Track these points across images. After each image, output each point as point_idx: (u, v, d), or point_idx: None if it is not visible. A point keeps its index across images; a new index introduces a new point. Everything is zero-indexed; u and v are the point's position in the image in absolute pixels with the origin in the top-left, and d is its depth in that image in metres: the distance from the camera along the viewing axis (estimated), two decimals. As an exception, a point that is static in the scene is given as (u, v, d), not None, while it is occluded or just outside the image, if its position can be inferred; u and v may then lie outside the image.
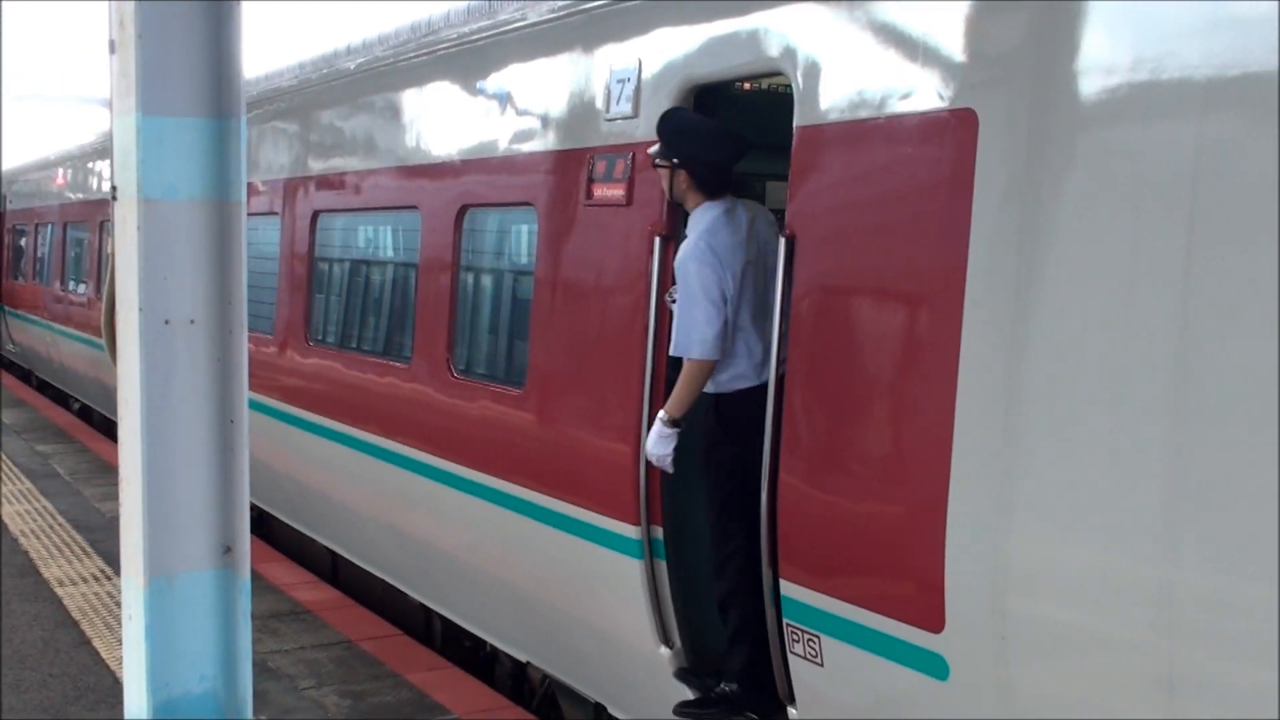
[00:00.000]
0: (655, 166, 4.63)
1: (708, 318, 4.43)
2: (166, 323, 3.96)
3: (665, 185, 4.66)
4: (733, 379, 4.54)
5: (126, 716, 4.14)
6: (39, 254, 17.08)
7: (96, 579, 7.33)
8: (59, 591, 7.04)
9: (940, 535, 3.58)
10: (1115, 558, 3.19)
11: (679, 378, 4.53)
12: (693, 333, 4.44)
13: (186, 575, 4.06)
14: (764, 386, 4.37)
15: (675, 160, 4.56)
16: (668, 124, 4.59)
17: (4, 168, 23.28)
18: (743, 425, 4.47)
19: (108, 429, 14.02)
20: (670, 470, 4.60)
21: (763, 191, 5.26)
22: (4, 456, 11.31)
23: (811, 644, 4.12)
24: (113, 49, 4.04)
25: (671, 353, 4.56)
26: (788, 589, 4.17)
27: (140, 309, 3.91)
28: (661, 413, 4.55)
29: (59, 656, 5.99)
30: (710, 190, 4.60)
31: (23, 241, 18.43)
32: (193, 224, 3.99)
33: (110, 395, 13.41)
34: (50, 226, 16.45)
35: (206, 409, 4.06)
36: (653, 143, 4.76)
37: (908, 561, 3.74)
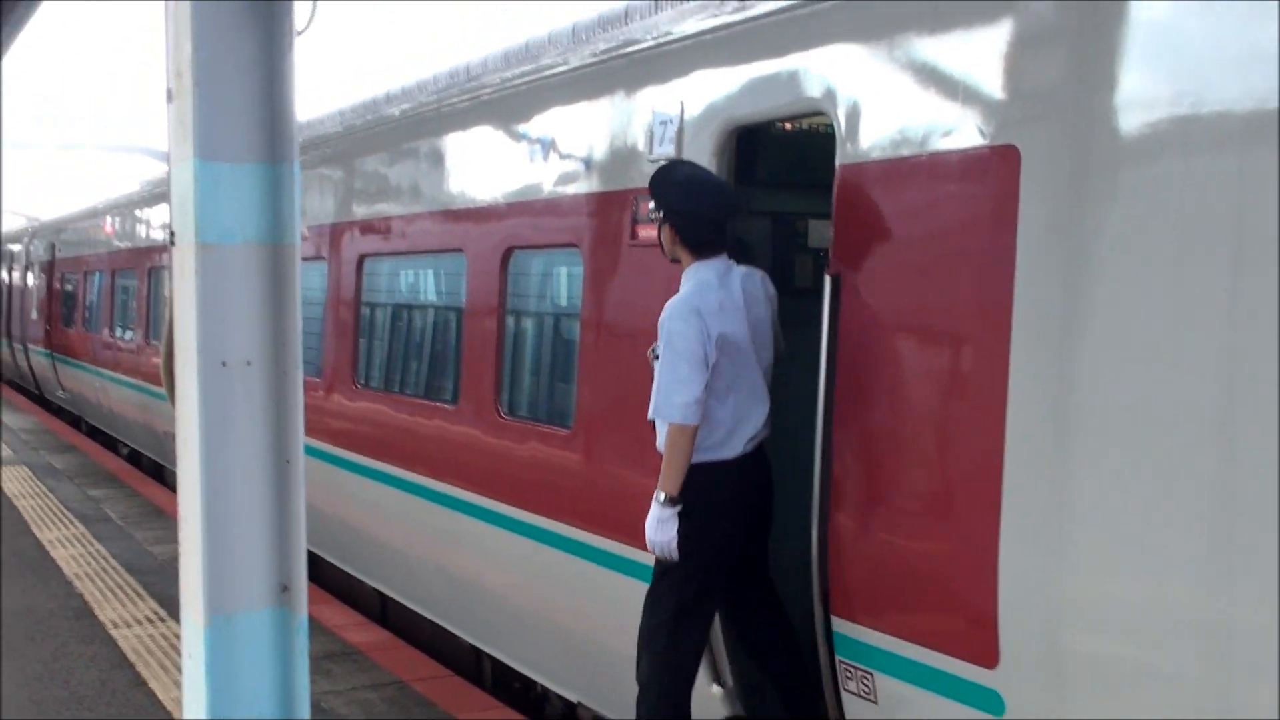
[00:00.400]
0: (650, 219, 4.60)
1: (689, 380, 4.28)
2: (224, 364, 4.07)
3: (657, 238, 4.61)
4: (697, 450, 4.34)
5: (187, 756, 4.22)
6: (88, 301, 17.34)
7: (151, 621, 7.41)
8: (114, 633, 7.12)
9: (992, 571, 3.59)
10: (1169, 591, 3.19)
11: (665, 450, 4.37)
12: (674, 395, 4.30)
13: (245, 614, 4.14)
14: (731, 463, 4.35)
15: (659, 211, 4.50)
16: (658, 174, 4.53)
17: (52, 217, 23.69)
18: (705, 507, 4.34)
19: (157, 473, 14.18)
20: (674, 557, 4.35)
21: (805, 231, 5.30)
22: (57, 501, 11.45)
23: (865, 681, 4.13)
24: (170, 98, 4.16)
25: (649, 415, 4.44)
26: (839, 626, 4.18)
27: (199, 351, 4.02)
28: (657, 492, 4.33)
29: (115, 697, 6.06)
30: (697, 248, 4.45)
31: (71, 289, 18.71)
32: (248, 267, 4.10)
33: (158, 440, 13.58)
34: (98, 274, 16.71)
35: (263, 449, 4.16)
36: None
37: (960, 597, 3.75)
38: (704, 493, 4.35)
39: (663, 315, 4.39)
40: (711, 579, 4.49)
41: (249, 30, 4.00)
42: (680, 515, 4.32)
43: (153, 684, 6.27)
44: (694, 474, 4.34)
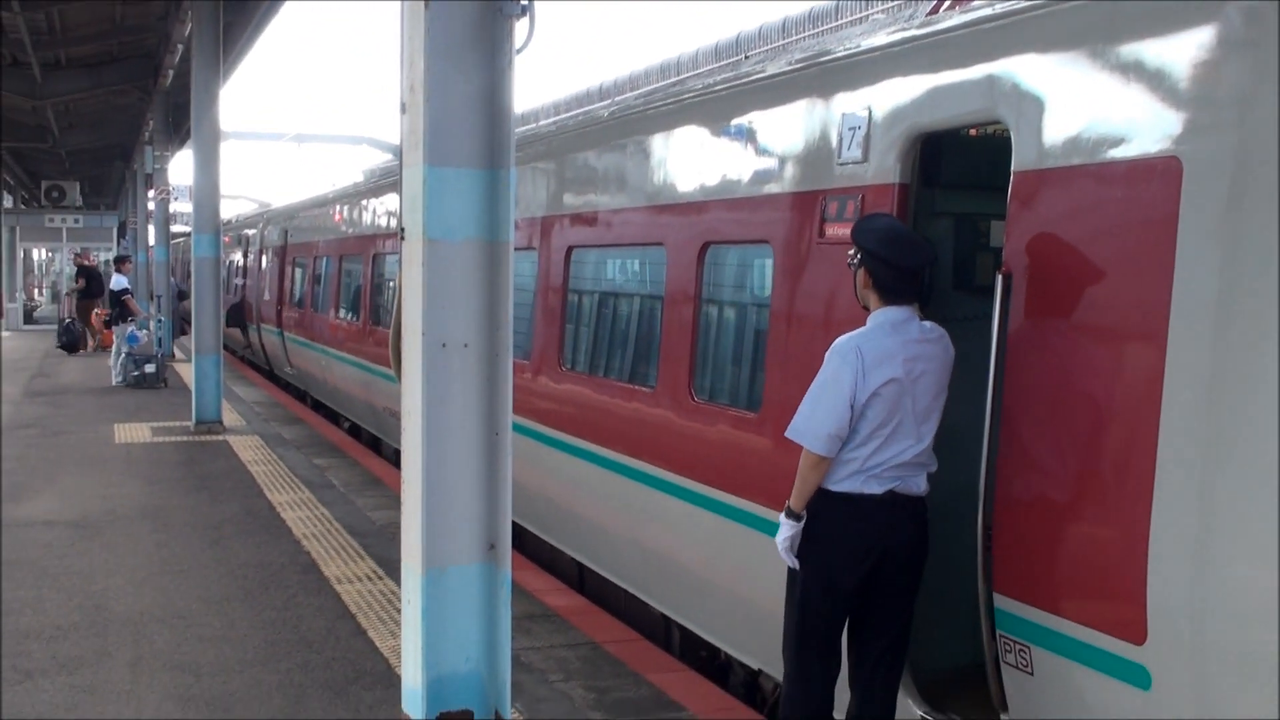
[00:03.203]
0: (849, 265, 4.83)
1: (831, 412, 4.52)
2: (444, 346, 4.62)
3: (853, 282, 4.83)
4: (834, 479, 4.61)
5: (404, 687, 4.77)
6: (317, 284, 18.44)
7: (370, 579, 8.08)
8: (337, 588, 7.81)
9: (1143, 555, 3.83)
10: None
11: (798, 468, 4.65)
12: (812, 422, 4.56)
13: (456, 568, 4.68)
14: (855, 499, 4.57)
15: (857, 256, 4.73)
16: (861, 223, 4.79)
17: (283, 204, 25.13)
18: (819, 534, 4.62)
19: (374, 446, 15.09)
20: (794, 564, 4.70)
21: (987, 231, 5.54)
22: (286, 468, 12.36)
23: (1023, 654, 4.40)
24: (403, 109, 4.72)
25: (786, 433, 4.71)
26: (1000, 602, 4.46)
27: (423, 333, 4.58)
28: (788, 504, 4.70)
29: (339, 643, 6.70)
30: (887, 295, 4.64)
31: (302, 272, 19.89)
32: (468, 260, 4.64)
33: (377, 415, 14.45)
34: (327, 259, 17.77)
35: (476, 422, 4.70)
36: (882, 186, 5.15)
37: (1113, 579, 3.99)
38: (822, 518, 4.64)
39: (832, 344, 4.66)
40: (823, 608, 4.72)
41: (474, 51, 4.51)
42: (804, 536, 4.65)
43: (371, 633, 6.89)
44: (816, 499, 4.64)
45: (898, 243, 4.64)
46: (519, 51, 4.64)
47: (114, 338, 21.44)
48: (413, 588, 4.68)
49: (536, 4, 4.65)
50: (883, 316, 4.65)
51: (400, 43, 4.67)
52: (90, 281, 27.98)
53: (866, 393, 4.52)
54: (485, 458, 4.73)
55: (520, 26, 4.63)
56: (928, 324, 4.73)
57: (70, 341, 26.67)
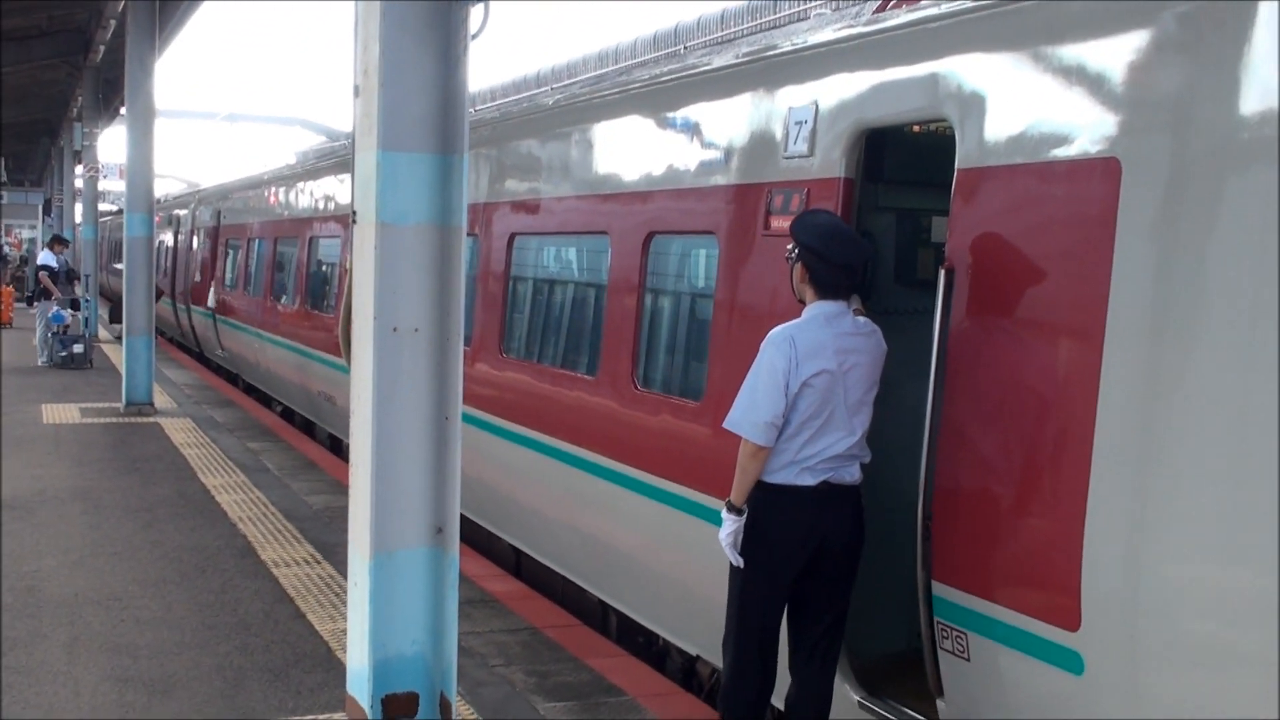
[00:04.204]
0: (786, 259, 4.90)
1: (767, 401, 4.59)
2: (395, 330, 4.65)
3: (789, 275, 4.90)
4: (769, 470, 4.68)
5: (350, 669, 4.80)
6: (250, 266, 18.26)
7: (308, 562, 8.07)
8: (275, 572, 7.79)
9: (1078, 545, 3.95)
10: (1240, 572, 3.52)
11: (738, 461, 4.71)
12: (750, 412, 4.63)
13: (404, 552, 4.71)
14: (791, 491, 4.64)
15: (795, 250, 4.79)
16: (800, 218, 4.85)
17: (215, 184, 24.83)
18: (758, 525, 4.67)
19: (308, 429, 15.01)
20: (738, 562, 4.72)
21: (929, 227, 5.65)
22: (220, 451, 12.27)
23: (960, 640, 4.51)
24: (356, 93, 4.73)
25: (724, 424, 4.78)
26: (939, 590, 4.57)
27: (374, 318, 4.60)
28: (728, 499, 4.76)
29: (278, 627, 6.70)
30: (823, 289, 4.71)
31: (234, 254, 19.69)
32: (419, 245, 4.67)
33: (311, 398, 14.37)
34: (260, 241, 17.61)
35: (426, 406, 4.73)
36: (826, 180, 5.23)
37: (1049, 568, 4.11)
38: (759, 511, 4.70)
39: (766, 337, 4.73)
40: (762, 598, 4.79)
41: (429, 35, 4.53)
42: (745, 528, 4.70)
43: (310, 617, 6.89)
44: (755, 492, 4.70)
45: (835, 239, 4.71)
46: (474, 38, 4.66)
47: (36, 317, 21.15)
48: (360, 571, 4.70)
49: (491, -9, 4.67)
50: (817, 309, 4.73)
51: (355, 26, 4.68)
52: None
53: (799, 382, 4.59)
54: (434, 442, 4.75)
55: (475, 13, 4.65)
56: (861, 319, 4.82)
57: None
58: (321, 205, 14.62)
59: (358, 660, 4.72)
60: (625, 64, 18.85)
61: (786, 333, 4.68)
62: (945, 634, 4.58)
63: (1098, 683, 3.95)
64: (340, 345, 5.12)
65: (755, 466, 4.67)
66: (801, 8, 17.34)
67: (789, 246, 4.87)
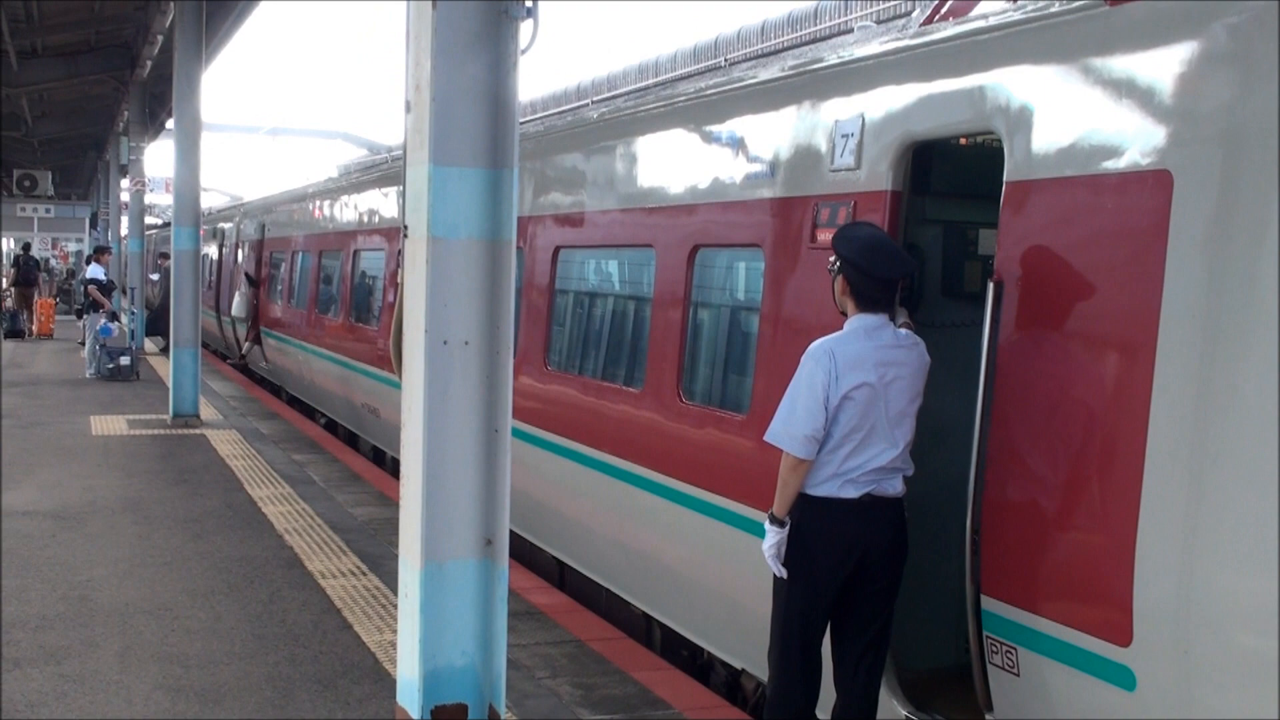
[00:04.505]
0: (829, 271, 4.90)
1: (807, 414, 4.60)
2: (445, 343, 4.68)
3: (831, 288, 4.90)
4: (812, 483, 4.70)
5: (400, 680, 4.83)
6: (294, 279, 18.40)
7: (354, 574, 8.12)
8: (322, 583, 7.84)
9: (1130, 559, 3.93)
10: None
11: (779, 473, 4.73)
12: (790, 425, 4.65)
13: (454, 563, 4.74)
14: (832, 503, 4.65)
15: (836, 264, 4.79)
16: (842, 231, 4.86)
17: (259, 198, 25.04)
18: (801, 537, 4.69)
19: (351, 441, 15.10)
20: (781, 573, 4.76)
21: (975, 239, 5.64)
22: (265, 463, 12.37)
23: (1009, 655, 4.49)
24: (408, 108, 4.78)
25: (765, 437, 4.81)
26: (988, 603, 4.56)
27: (425, 330, 4.63)
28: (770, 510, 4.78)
29: (327, 637, 6.75)
30: (864, 302, 4.72)
31: (279, 266, 19.84)
32: (470, 258, 4.71)
33: (355, 411, 14.46)
34: (305, 254, 17.74)
35: (476, 419, 4.76)
36: (874, 193, 5.24)
37: (1099, 582, 4.09)
38: (802, 523, 4.72)
39: (808, 348, 4.75)
40: (805, 610, 4.79)
41: (480, 51, 4.57)
42: (788, 540, 4.73)
43: (358, 628, 6.94)
44: (798, 504, 4.72)
45: (876, 253, 4.71)
46: (523, 52, 4.70)
47: (84, 329, 21.43)
48: (411, 582, 4.74)
49: (540, 6, 4.71)
50: (858, 323, 4.74)
51: (406, 42, 4.72)
52: (24, 270, 28.97)
53: (839, 395, 4.60)
54: (484, 454, 4.78)
55: (525, 28, 4.69)
56: (902, 331, 4.83)
57: (14, 329, 28.05)
58: (366, 219, 14.72)
59: (408, 670, 4.75)
60: (665, 76, 18.91)
61: (826, 346, 4.69)
62: (994, 649, 4.56)
63: (1149, 699, 3.93)
64: (391, 357, 5.15)
65: (796, 479, 4.68)
66: (843, 19, 17.35)
67: (830, 259, 4.88)
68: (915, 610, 5.28)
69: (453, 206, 4.63)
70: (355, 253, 14.68)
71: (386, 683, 6.00)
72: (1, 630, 6.71)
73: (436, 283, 4.62)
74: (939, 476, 5.03)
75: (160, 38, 19.73)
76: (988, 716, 4.70)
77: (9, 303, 30.00)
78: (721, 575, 6.38)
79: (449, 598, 4.72)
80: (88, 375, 19.94)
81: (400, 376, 4.92)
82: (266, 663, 6.32)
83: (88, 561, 8.24)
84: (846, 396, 4.61)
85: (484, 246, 4.70)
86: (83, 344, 22.28)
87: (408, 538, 4.78)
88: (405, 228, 4.79)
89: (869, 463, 4.66)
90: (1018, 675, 4.47)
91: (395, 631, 6.55)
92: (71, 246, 36.96)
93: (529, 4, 4.65)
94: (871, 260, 4.69)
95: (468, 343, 4.70)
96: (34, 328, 28.84)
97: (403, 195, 4.92)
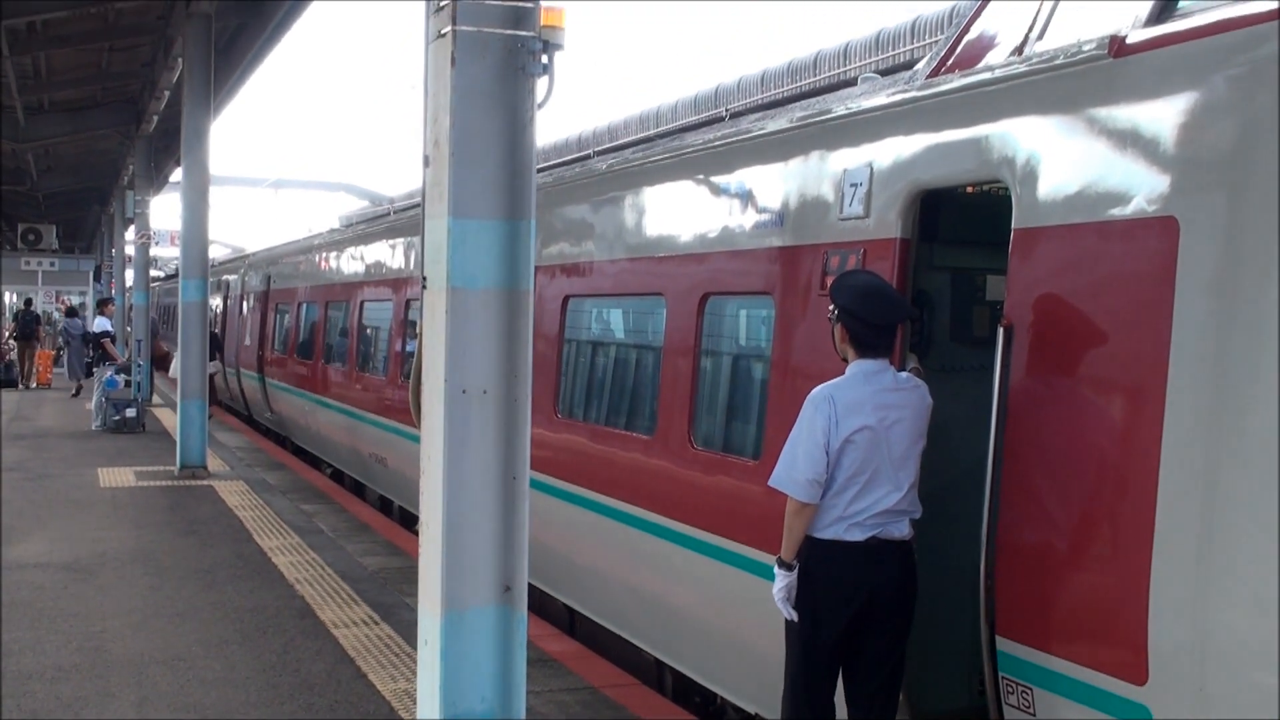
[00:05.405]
0: (829, 319, 4.99)
1: (808, 459, 4.69)
2: (464, 392, 4.76)
3: (831, 334, 5.00)
4: (818, 527, 4.77)
5: (422, 729, 4.85)
6: (300, 330, 18.50)
7: (367, 623, 8.15)
8: (335, 633, 7.87)
9: (1144, 597, 3.98)
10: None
11: (785, 517, 4.81)
12: (792, 470, 4.74)
13: (474, 610, 4.79)
14: (838, 546, 4.72)
15: (835, 311, 4.89)
16: (839, 279, 4.99)
17: (263, 249, 25.17)
18: (809, 580, 4.75)
19: (358, 491, 15.14)
20: (792, 616, 4.82)
21: (983, 285, 5.72)
22: (273, 513, 12.41)
23: (1025, 695, 4.53)
24: (426, 163, 4.88)
25: (769, 482, 4.88)
26: (1003, 644, 4.60)
27: (444, 379, 4.71)
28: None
29: (341, 687, 6.77)
30: (863, 348, 4.81)
31: (285, 318, 19.94)
32: (488, 309, 4.79)
33: (362, 460, 14.50)
34: (311, 305, 17.84)
35: (495, 466, 4.83)
36: (882, 241, 5.33)
37: (1114, 621, 4.14)
38: (808, 566, 4.79)
39: (808, 395, 4.83)
40: (815, 652, 4.85)
41: (497, 107, 4.68)
42: (799, 583, 4.79)
43: (372, 677, 6.96)
44: (804, 547, 4.79)
45: (872, 299, 4.81)
46: (540, 107, 4.80)
47: (94, 382, 21.52)
48: (430, 628, 4.79)
49: (555, 63, 4.82)
50: (857, 368, 4.83)
51: (424, 98, 4.83)
52: (24, 325, 29.78)
53: (840, 439, 4.68)
54: (503, 501, 4.85)
55: (541, 84, 4.79)
56: (903, 374, 4.92)
57: (8, 380, 28.63)
58: (373, 270, 14.82)
59: (429, 716, 4.78)
60: (667, 126, 19.10)
61: (826, 391, 4.78)
62: (1010, 689, 4.60)
63: (1167, 737, 3.97)
64: (411, 406, 5.22)
65: (800, 523, 4.76)
66: (842, 69, 17.54)
67: (830, 307, 4.97)
68: (929, 653, 5.32)
69: (471, 258, 4.72)
70: (362, 304, 14.77)
71: (403, 731, 6.03)
72: (1, 636, 6.71)
73: (456, 333, 4.71)
74: (952, 518, 5.09)
75: (167, 93, 19.94)
76: (1004, 757, 4.73)
77: (11, 355, 30.34)
78: (735, 619, 6.42)
79: (469, 645, 4.77)
80: (94, 427, 19.99)
81: (420, 426, 4.99)
82: (283, 712, 6.35)
83: (101, 613, 8.27)
84: (848, 440, 4.69)
85: (502, 296, 4.79)
86: (75, 395, 22.47)
87: (428, 585, 4.84)
88: (424, 279, 4.88)
89: (874, 506, 4.73)
90: (1033, 715, 4.51)
91: (410, 680, 6.59)
92: (75, 300, 37.14)
93: (544, 60, 4.76)
94: (868, 306, 4.79)
95: (486, 391, 4.78)
96: (33, 380, 29.41)
97: (412, 247, 5.01)
